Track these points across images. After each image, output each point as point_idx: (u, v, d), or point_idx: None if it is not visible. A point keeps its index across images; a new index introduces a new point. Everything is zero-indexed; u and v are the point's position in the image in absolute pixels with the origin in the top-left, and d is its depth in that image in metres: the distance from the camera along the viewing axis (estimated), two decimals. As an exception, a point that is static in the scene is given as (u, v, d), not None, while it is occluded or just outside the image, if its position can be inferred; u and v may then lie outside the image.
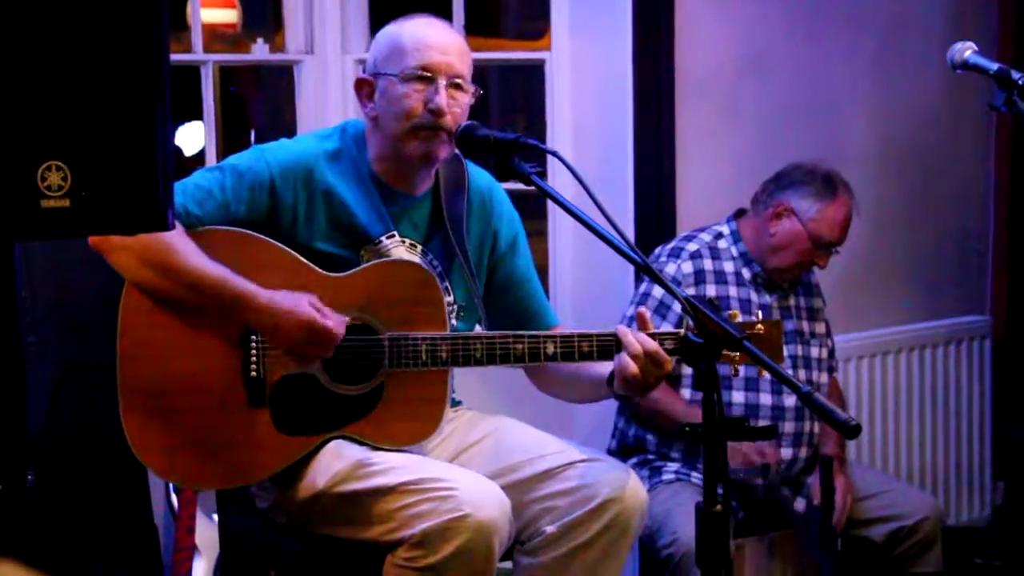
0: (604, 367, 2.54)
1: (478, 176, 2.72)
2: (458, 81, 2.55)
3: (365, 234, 2.58)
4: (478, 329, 2.75)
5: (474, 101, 2.60)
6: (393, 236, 2.61)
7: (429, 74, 2.52)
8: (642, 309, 2.52)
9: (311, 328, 2.42)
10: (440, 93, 2.51)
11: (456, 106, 2.54)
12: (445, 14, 3.76)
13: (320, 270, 2.52)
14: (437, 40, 2.56)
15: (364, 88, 2.62)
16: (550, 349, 2.51)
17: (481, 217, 2.72)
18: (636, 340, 2.42)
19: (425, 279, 2.53)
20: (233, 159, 2.58)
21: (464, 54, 2.59)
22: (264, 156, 2.55)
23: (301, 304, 2.43)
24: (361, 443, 2.53)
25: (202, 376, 2.48)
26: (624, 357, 2.43)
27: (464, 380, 2.83)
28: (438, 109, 2.51)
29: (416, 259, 2.62)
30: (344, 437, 2.53)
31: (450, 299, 2.66)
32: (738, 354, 2.43)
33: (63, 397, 3.10)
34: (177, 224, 2.42)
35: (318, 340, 2.43)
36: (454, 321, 2.65)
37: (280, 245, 2.51)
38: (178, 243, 2.41)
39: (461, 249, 2.64)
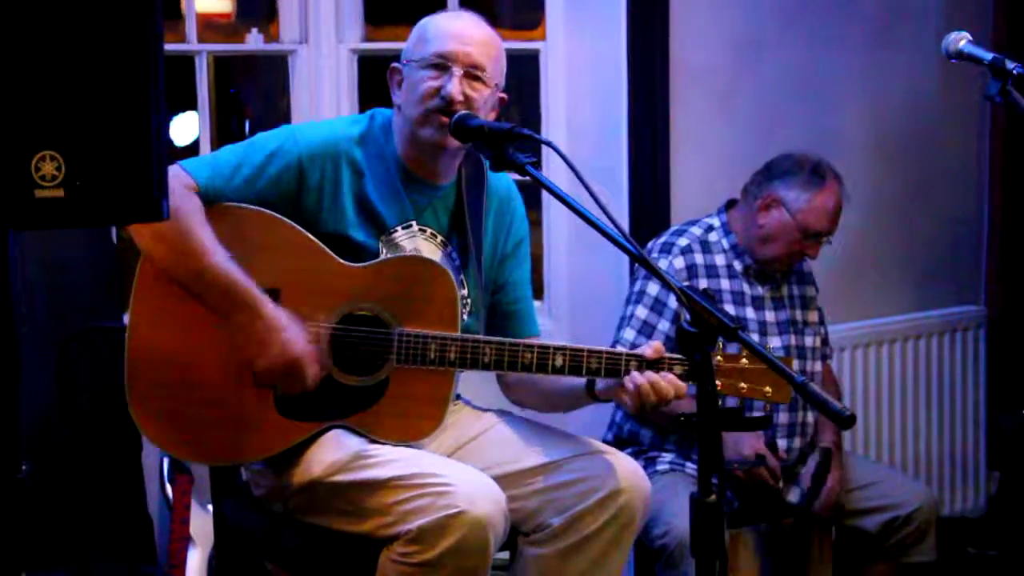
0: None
1: (497, 175, 2.72)
2: (476, 72, 2.54)
3: (383, 223, 2.58)
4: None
5: (497, 101, 2.60)
6: (410, 226, 2.62)
7: (445, 62, 2.53)
8: (658, 345, 2.52)
9: (293, 366, 2.43)
10: (452, 81, 2.51)
11: (473, 96, 2.53)
12: (441, 3, 3.75)
13: (337, 257, 2.52)
14: (459, 30, 2.57)
15: (395, 76, 2.64)
16: (559, 362, 2.51)
17: (499, 216, 2.73)
18: (644, 384, 2.45)
19: (439, 276, 2.53)
20: (262, 136, 2.59)
21: (487, 47, 2.57)
22: (294, 136, 2.56)
23: (298, 337, 2.44)
24: (361, 435, 2.53)
25: (210, 351, 2.48)
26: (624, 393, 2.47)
27: (465, 375, 2.82)
28: (448, 96, 2.50)
29: (435, 252, 2.63)
30: (345, 427, 2.53)
31: (464, 293, 2.66)
32: (745, 386, 2.47)
33: (69, 366, 3.09)
34: (198, 202, 2.44)
35: (291, 377, 2.45)
36: (465, 317, 2.65)
37: (299, 228, 2.51)
38: (196, 228, 2.41)
39: (476, 245, 2.65)
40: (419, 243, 2.62)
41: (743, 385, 2.49)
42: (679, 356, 2.49)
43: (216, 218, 2.45)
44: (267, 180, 2.51)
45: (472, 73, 2.54)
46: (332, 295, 2.50)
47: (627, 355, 2.49)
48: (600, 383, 2.55)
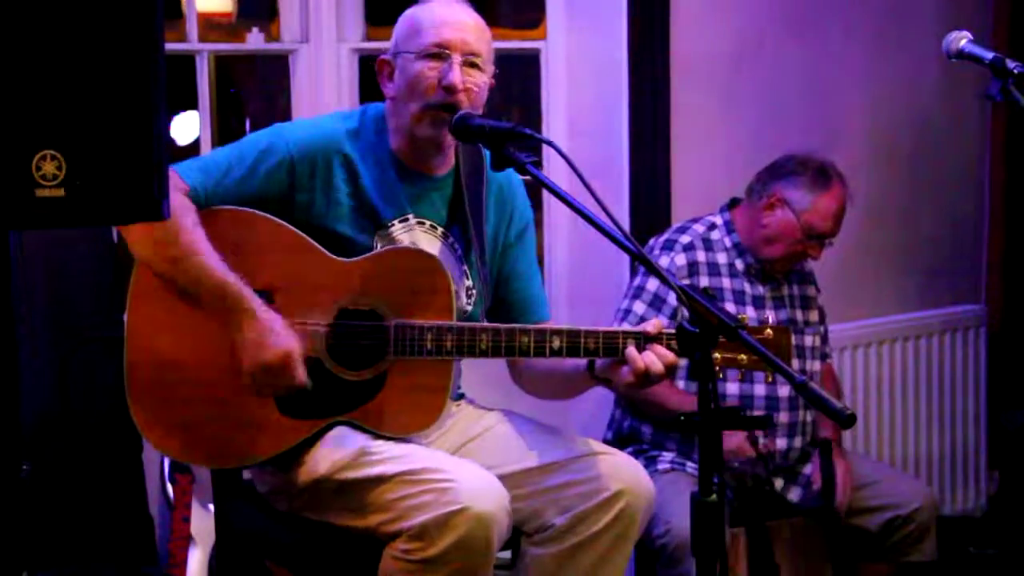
0: (579, 360, 2.55)
1: None
2: (474, 60, 2.54)
3: (378, 217, 2.58)
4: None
5: (493, 83, 2.60)
6: (407, 220, 2.61)
7: (444, 51, 2.52)
8: (657, 321, 2.50)
9: (285, 364, 2.42)
10: (453, 69, 2.50)
11: (472, 84, 2.53)
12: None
13: (327, 252, 2.51)
14: (454, 18, 2.56)
15: (384, 68, 2.62)
16: (556, 344, 2.50)
17: (500, 203, 2.73)
18: (642, 359, 2.42)
19: (432, 267, 2.52)
20: (252, 136, 2.60)
21: (482, 32, 2.58)
22: (283, 135, 2.56)
23: (287, 337, 2.43)
24: (363, 430, 2.53)
25: (209, 354, 2.48)
26: (626, 368, 2.43)
27: (466, 374, 2.83)
28: (451, 85, 2.50)
29: (435, 244, 2.62)
30: (347, 423, 2.53)
31: (469, 283, 2.66)
32: (745, 358, 2.43)
33: (71, 370, 3.09)
34: (189, 205, 2.43)
35: (283, 377, 2.43)
36: (469, 307, 2.65)
37: (291, 227, 2.51)
38: (189, 231, 2.41)
39: (478, 234, 2.64)
40: (417, 236, 2.62)
41: (743, 357, 2.45)
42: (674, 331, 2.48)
43: (208, 221, 2.45)
44: (258, 180, 2.51)
45: (470, 60, 2.53)
46: (327, 292, 2.50)
47: (624, 333, 2.47)
48: (599, 363, 2.53)
